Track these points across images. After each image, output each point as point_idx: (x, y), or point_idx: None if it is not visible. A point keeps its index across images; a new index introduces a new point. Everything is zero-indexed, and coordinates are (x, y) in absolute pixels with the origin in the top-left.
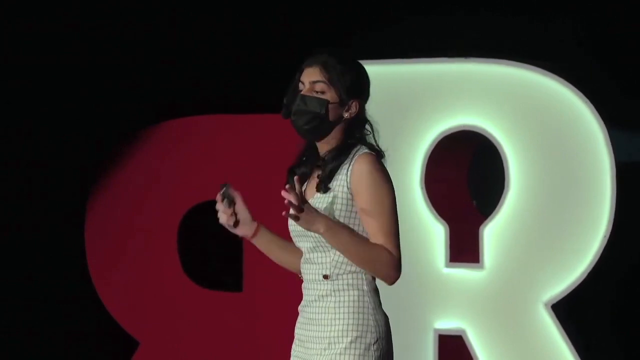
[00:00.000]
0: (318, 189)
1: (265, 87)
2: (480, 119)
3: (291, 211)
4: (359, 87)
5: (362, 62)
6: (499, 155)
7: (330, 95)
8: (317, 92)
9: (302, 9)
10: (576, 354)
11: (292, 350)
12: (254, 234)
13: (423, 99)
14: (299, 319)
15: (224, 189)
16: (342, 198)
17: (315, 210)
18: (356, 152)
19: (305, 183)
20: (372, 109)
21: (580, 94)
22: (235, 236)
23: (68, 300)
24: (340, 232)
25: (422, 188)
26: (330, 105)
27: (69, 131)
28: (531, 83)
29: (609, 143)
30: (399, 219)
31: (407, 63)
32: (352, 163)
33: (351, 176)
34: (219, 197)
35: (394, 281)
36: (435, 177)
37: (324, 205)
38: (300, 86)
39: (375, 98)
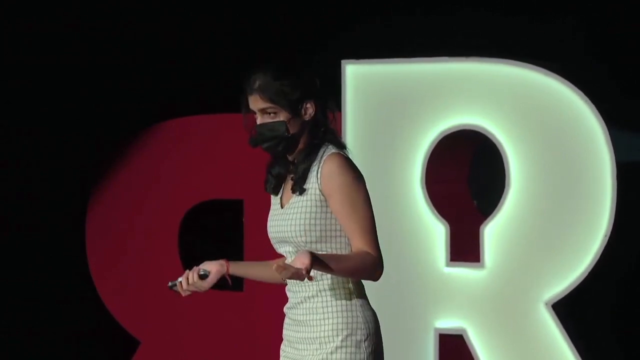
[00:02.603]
0: (293, 191)
1: None
2: (480, 119)
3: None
4: (304, 90)
5: (363, 62)
6: (500, 154)
7: (283, 115)
8: (270, 114)
9: (301, 9)
10: (577, 354)
11: (281, 350)
12: (227, 270)
13: (423, 98)
14: (286, 320)
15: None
16: (315, 200)
17: (301, 257)
18: (324, 152)
19: (282, 185)
20: (373, 108)
21: (581, 93)
22: (236, 236)
23: (68, 299)
24: (327, 266)
25: (422, 187)
26: (289, 123)
27: (69, 131)
28: (532, 82)
29: (610, 142)
30: (399, 217)
31: (407, 62)
32: (320, 164)
33: (321, 178)
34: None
35: (378, 279)
36: (435, 176)
37: (301, 208)
38: (252, 111)
39: (376, 98)
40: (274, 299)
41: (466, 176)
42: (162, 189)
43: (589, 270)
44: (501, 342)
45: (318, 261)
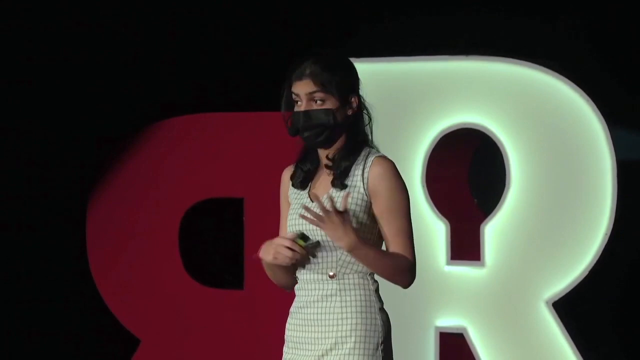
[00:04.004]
0: (334, 185)
1: (266, 85)
2: (481, 117)
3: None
4: (352, 83)
5: (363, 60)
6: (500, 153)
7: (331, 102)
8: (317, 102)
9: (302, 8)
10: (577, 352)
11: (284, 353)
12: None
13: (424, 97)
14: (292, 321)
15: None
16: (357, 199)
17: (351, 229)
18: (368, 154)
19: (309, 181)
20: (374, 107)
21: (582, 91)
22: (236, 234)
23: (69, 298)
24: (366, 252)
25: (423, 186)
26: (335, 112)
27: (69, 131)
28: (532, 81)
29: (610, 141)
30: None
31: (408, 61)
32: (367, 165)
33: (369, 179)
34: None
35: (409, 285)
36: (436, 175)
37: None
38: (295, 97)
39: (376, 96)
40: (274, 298)
41: (466, 175)
42: (162, 188)
43: (589, 268)
44: (502, 340)
45: (360, 246)
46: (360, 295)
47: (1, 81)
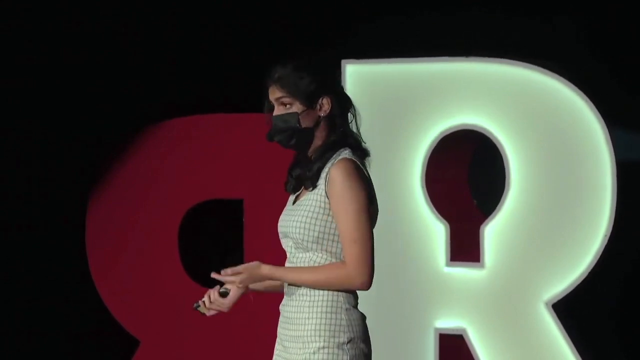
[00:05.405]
0: (306, 187)
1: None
2: (481, 118)
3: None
4: (322, 85)
5: (363, 61)
6: (500, 154)
7: (296, 106)
8: (285, 106)
9: (302, 8)
10: (577, 353)
11: (275, 349)
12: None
13: (423, 98)
14: (280, 318)
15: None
16: (320, 201)
17: (256, 267)
18: (339, 155)
19: (301, 186)
20: (374, 108)
21: (581, 92)
22: (236, 235)
23: (69, 299)
24: (283, 276)
25: (422, 187)
26: (300, 116)
27: (69, 131)
28: (532, 82)
29: (609, 141)
30: (399, 216)
31: (408, 62)
32: (330, 168)
33: (328, 180)
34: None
35: (364, 288)
36: (435, 176)
37: (306, 207)
38: (272, 107)
39: (376, 97)
40: (273, 298)
41: (466, 176)
42: (162, 188)
43: (589, 270)
44: (501, 342)
45: (271, 276)
46: (327, 295)
47: (1, 81)
